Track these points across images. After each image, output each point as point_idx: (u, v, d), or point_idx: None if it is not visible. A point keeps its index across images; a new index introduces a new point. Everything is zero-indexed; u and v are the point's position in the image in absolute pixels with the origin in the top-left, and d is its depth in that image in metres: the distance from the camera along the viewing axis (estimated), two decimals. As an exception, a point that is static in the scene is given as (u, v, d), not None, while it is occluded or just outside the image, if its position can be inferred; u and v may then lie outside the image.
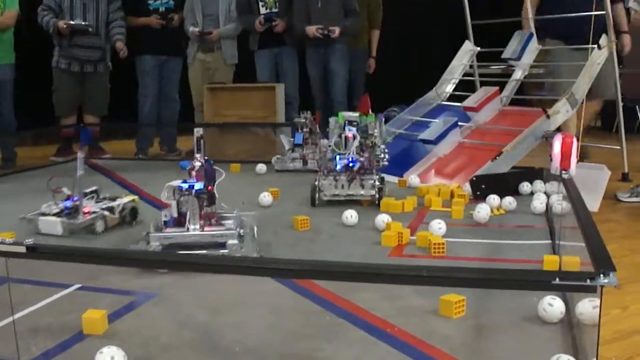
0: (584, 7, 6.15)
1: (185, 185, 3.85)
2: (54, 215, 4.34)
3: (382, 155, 5.21)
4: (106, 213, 4.45)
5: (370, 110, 5.39)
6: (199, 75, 8.44)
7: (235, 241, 3.74)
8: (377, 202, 5.04)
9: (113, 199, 4.68)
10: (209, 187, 3.89)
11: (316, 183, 5.20)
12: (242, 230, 3.89)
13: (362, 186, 5.10)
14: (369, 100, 5.56)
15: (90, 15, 7.91)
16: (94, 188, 4.72)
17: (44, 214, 4.37)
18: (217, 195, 3.93)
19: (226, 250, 3.69)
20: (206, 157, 3.97)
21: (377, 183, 5.08)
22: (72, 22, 7.76)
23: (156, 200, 5.64)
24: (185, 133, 9.01)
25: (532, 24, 7.29)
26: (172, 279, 3.22)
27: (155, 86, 8.43)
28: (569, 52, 6.60)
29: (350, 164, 5.08)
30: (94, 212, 4.39)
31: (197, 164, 3.91)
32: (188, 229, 3.78)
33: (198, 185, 3.84)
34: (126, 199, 4.72)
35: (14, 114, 7.87)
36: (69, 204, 4.41)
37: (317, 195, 5.18)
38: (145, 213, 5.06)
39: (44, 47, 8.14)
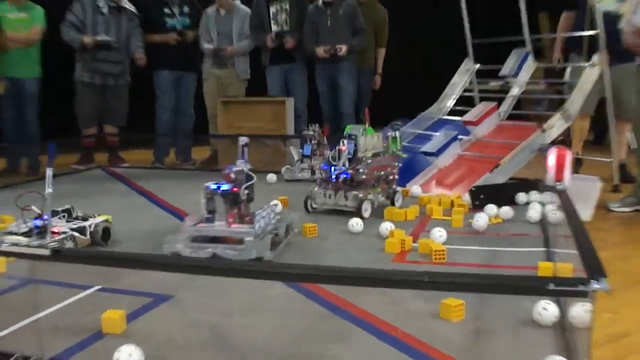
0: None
1: (213, 186, 3.98)
2: (22, 234, 3.98)
3: (361, 170, 5.09)
4: (76, 234, 4.08)
5: (368, 124, 5.39)
6: (213, 89, 8.48)
7: (251, 239, 3.80)
8: (358, 214, 4.93)
9: (85, 219, 4.27)
10: (234, 189, 3.97)
11: (310, 192, 5.29)
12: (275, 231, 4.07)
13: (346, 197, 5.11)
14: (368, 115, 5.58)
15: (111, 32, 7.99)
16: (67, 207, 4.34)
17: (10, 233, 4.02)
18: (242, 197, 3.98)
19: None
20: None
21: (359, 195, 5.05)
22: (98, 38, 7.82)
23: (171, 206, 5.67)
24: (199, 144, 9.05)
25: (528, 43, 7.31)
26: (187, 282, 3.22)
27: (171, 100, 8.46)
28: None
29: (342, 175, 5.10)
30: (64, 233, 4.05)
31: (236, 168, 4.03)
32: (214, 225, 3.99)
33: (225, 187, 3.96)
34: (99, 218, 4.32)
35: (39, 124, 7.93)
36: (38, 222, 4.05)
37: (309, 203, 5.25)
38: (159, 221, 5.10)
39: (66, 62, 8.17)
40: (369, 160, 5.19)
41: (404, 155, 5.74)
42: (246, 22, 8.37)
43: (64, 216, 4.18)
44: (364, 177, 5.09)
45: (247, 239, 3.86)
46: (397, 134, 5.60)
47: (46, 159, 8.01)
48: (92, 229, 4.16)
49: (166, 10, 8.37)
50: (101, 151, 8.55)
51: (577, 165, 6.67)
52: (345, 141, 5.18)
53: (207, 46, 8.29)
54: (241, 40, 8.35)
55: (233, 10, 8.36)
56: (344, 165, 5.11)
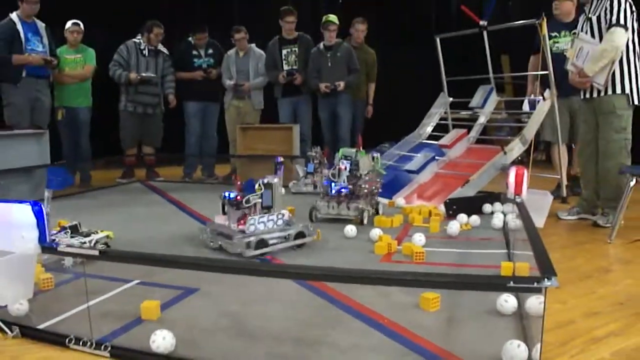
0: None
1: (225, 194, 4.23)
2: None
3: (364, 186, 5.20)
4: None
5: (361, 148, 5.43)
6: (233, 117, 8.48)
7: (239, 236, 4.02)
8: (359, 222, 5.04)
9: (87, 235, 4.01)
10: (238, 197, 4.15)
11: (314, 204, 5.33)
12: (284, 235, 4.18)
13: (348, 208, 5.15)
14: (361, 140, 5.62)
15: (150, 70, 8.03)
16: (74, 223, 4.09)
17: None
18: (245, 204, 4.10)
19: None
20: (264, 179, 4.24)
21: (360, 206, 5.12)
22: (143, 74, 7.88)
23: (197, 213, 5.68)
24: (221, 162, 9.06)
25: (492, 81, 7.33)
26: (211, 277, 3.23)
27: (198, 125, 8.48)
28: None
29: (342, 190, 5.15)
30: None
31: (265, 181, 4.21)
32: (229, 224, 4.20)
33: (232, 194, 4.18)
34: (101, 234, 4.07)
35: (90, 145, 7.98)
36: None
37: (314, 213, 5.27)
38: (187, 225, 5.12)
39: (112, 94, 8.23)
40: (366, 177, 5.24)
41: (384, 173, 5.79)
42: (261, 62, 8.38)
43: (68, 232, 3.99)
44: (365, 190, 5.18)
45: (235, 237, 4.01)
46: (378, 155, 5.65)
47: (96, 173, 8.08)
48: (92, 244, 3.92)
49: (194, 52, 8.41)
50: (140, 168, 8.56)
51: (575, 187, 6.62)
52: (344, 161, 5.25)
53: (228, 82, 8.31)
54: (256, 77, 8.36)
55: (249, 52, 8.38)
56: (343, 181, 5.16)
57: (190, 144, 8.51)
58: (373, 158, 5.54)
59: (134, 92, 8.01)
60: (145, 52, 8.04)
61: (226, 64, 8.40)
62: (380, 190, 5.57)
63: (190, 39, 8.44)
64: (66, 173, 3.76)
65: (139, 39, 8.08)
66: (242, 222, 4.12)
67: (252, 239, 3.98)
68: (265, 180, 4.21)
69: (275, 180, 4.27)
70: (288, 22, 8.13)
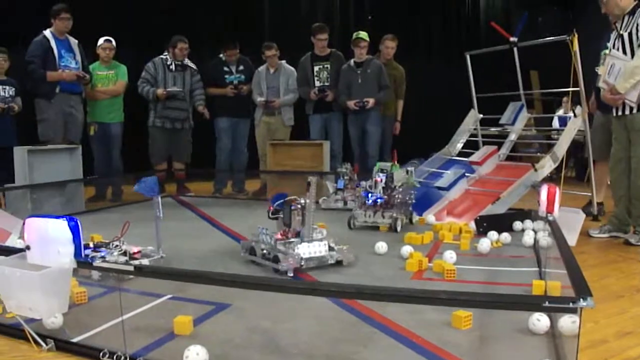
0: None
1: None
2: None
3: (397, 196, 5.54)
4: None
5: (396, 162, 5.62)
6: (264, 133, 8.53)
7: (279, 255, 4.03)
8: (393, 229, 5.43)
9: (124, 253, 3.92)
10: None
11: (352, 212, 5.73)
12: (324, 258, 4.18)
13: (383, 216, 5.48)
14: (396, 155, 5.73)
15: (178, 85, 8.09)
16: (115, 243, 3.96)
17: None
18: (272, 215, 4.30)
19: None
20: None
21: (393, 215, 5.49)
22: (168, 89, 7.94)
23: (228, 229, 5.70)
24: (252, 178, 9.08)
25: (522, 97, 7.31)
26: (243, 293, 3.24)
27: (229, 141, 8.52)
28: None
29: (378, 200, 5.49)
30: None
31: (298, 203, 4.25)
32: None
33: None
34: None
35: (122, 160, 8.07)
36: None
37: (352, 222, 5.62)
38: (218, 241, 5.14)
39: (143, 110, 8.30)
40: (400, 189, 5.53)
41: (418, 186, 5.90)
42: (291, 79, 8.44)
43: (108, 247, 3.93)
44: (398, 200, 5.51)
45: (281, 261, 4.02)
46: (412, 169, 5.82)
47: (127, 187, 8.15)
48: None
49: (225, 68, 8.46)
50: (170, 183, 8.61)
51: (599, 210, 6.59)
52: (380, 174, 5.58)
53: (258, 98, 8.35)
54: (287, 94, 8.42)
55: (280, 69, 8.42)
56: (379, 192, 5.49)
57: (220, 159, 8.56)
58: (407, 172, 5.70)
59: (162, 108, 8.07)
60: (172, 67, 8.11)
61: (257, 80, 8.45)
62: (413, 201, 5.76)
63: (221, 55, 8.50)
64: (155, 184, 3.92)
65: (165, 55, 8.16)
66: (283, 234, 4.21)
67: (288, 257, 4.01)
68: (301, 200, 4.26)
69: (302, 200, 4.27)
70: (320, 39, 8.17)
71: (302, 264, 4.02)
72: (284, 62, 8.49)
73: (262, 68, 8.47)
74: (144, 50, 8.73)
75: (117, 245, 3.94)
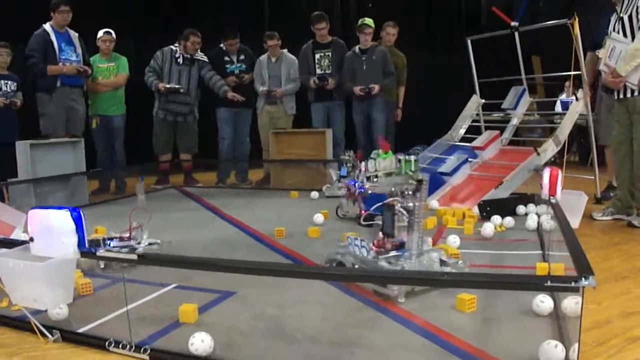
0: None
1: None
2: None
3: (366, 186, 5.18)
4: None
5: (383, 150, 5.47)
6: (266, 122, 8.51)
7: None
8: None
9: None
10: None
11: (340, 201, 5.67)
12: None
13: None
14: (382, 142, 5.64)
15: (183, 79, 8.09)
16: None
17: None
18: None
19: None
20: None
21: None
22: (168, 86, 7.95)
23: (231, 218, 5.71)
24: (255, 167, 9.08)
25: (524, 82, 7.30)
26: (247, 281, 3.25)
27: (230, 131, 8.51)
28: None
29: (362, 190, 5.16)
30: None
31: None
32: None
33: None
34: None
35: (125, 152, 8.10)
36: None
37: (338, 210, 5.64)
38: (222, 230, 5.17)
39: (147, 100, 8.33)
40: (377, 179, 5.20)
41: (412, 174, 5.75)
42: (293, 68, 8.43)
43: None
44: (369, 191, 5.12)
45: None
46: (411, 157, 5.64)
47: (132, 180, 8.16)
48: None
49: (226, 58, 8.45)
50: (175, 174, 8.61)
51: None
52: (364, 163, 5.29)
53: (260, 88, 8.35)
54: (288, 83, 8.42)
55: (282, 58, 8.42)
56: (362, 181, 5.17)
57: (223, 149, 8.55)
58: (399, 161, 5.56)
59: (165, 101, 8.09)
60: (180, 60, 8.09)
61: (258, 70, 8.44)
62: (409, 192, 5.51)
63: (221, 45, 8.48)
64: None
65: (176, 46, 8.15)
66: (378, 245, 3.35)
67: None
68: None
69: (411, 204, 3.40)
70: (319, 28, 8.16)
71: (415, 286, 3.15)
72: (285, 50, 8.48)
73: (263, 57, 8.46)
74: (144, 42, 8.74)
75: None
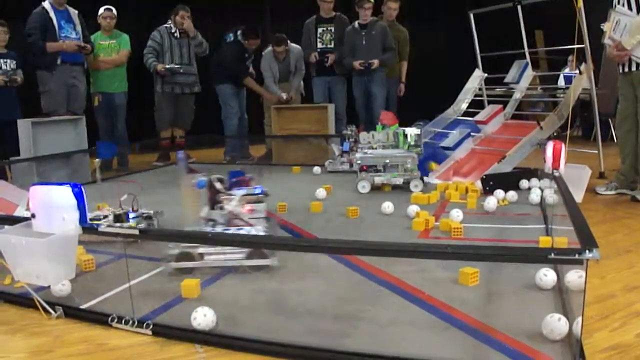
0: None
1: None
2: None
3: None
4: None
5: (395, 124, 5.64)
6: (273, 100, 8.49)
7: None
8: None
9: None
10: None
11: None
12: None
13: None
14: (394, 117, 5.72)
15: (184, 52, 8.10)
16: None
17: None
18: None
19: None
20: None
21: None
22: (167, 67, 7.96)
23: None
24: (257, 143, 9.05)
25: (527, 56, 7.27)
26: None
27: (237, 107, 8.47)
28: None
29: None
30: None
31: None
32: None
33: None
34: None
35: (126, 129, 8.08)
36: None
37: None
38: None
39: (146, 78, 8.33)
40: (366, 150, 5.78)
41: (417, 150, 5.75)
42: (299, 62, 8.51)
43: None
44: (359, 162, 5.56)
45: None
46: (409, 131, 5.73)
47: (133, 157, 8.15)
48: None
49: (245, 55, 8.46)
50: (175, 151, 8.58)
51: None
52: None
53: (279, 93, 8.38)
54: (296, 75, 8.55)
55: (288, 52, 8.44)
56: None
57: (232, 124, 8.44)
58: (399, 135, 5.66)
59: (168, 81, 8.11)
60: (177, 34, 8.11)
61: (267, 63, 8.42)
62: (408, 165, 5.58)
63: (240, 39, 8.27)
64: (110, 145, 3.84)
65: (169, 23, 8.14)
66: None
67: None
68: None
69: None
70: (325, 1, 8.14)
71: None
72: (288, 42, 8.45)
73: (268, 53, 8.46)
74: (145, 18, 8.69)
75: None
